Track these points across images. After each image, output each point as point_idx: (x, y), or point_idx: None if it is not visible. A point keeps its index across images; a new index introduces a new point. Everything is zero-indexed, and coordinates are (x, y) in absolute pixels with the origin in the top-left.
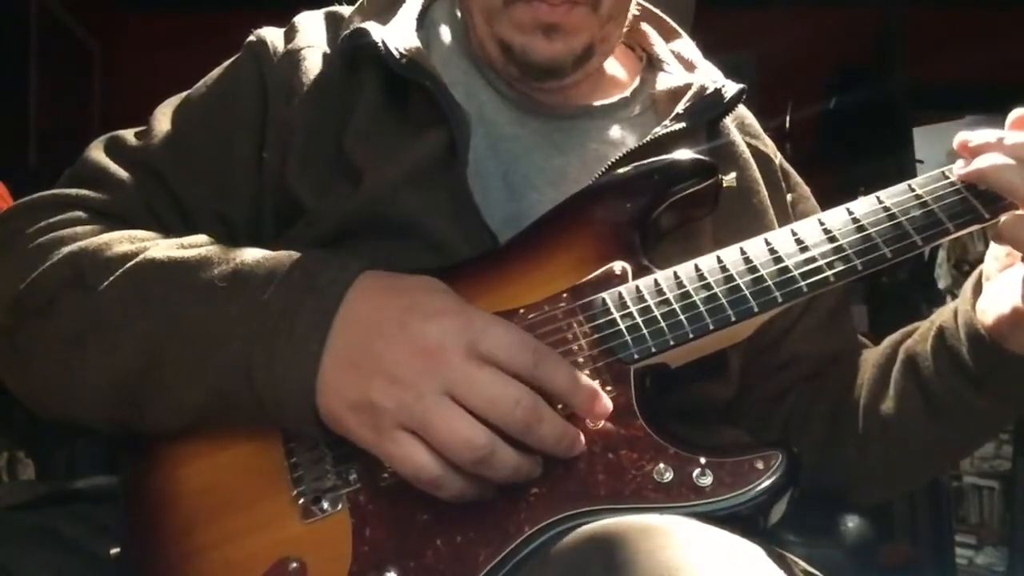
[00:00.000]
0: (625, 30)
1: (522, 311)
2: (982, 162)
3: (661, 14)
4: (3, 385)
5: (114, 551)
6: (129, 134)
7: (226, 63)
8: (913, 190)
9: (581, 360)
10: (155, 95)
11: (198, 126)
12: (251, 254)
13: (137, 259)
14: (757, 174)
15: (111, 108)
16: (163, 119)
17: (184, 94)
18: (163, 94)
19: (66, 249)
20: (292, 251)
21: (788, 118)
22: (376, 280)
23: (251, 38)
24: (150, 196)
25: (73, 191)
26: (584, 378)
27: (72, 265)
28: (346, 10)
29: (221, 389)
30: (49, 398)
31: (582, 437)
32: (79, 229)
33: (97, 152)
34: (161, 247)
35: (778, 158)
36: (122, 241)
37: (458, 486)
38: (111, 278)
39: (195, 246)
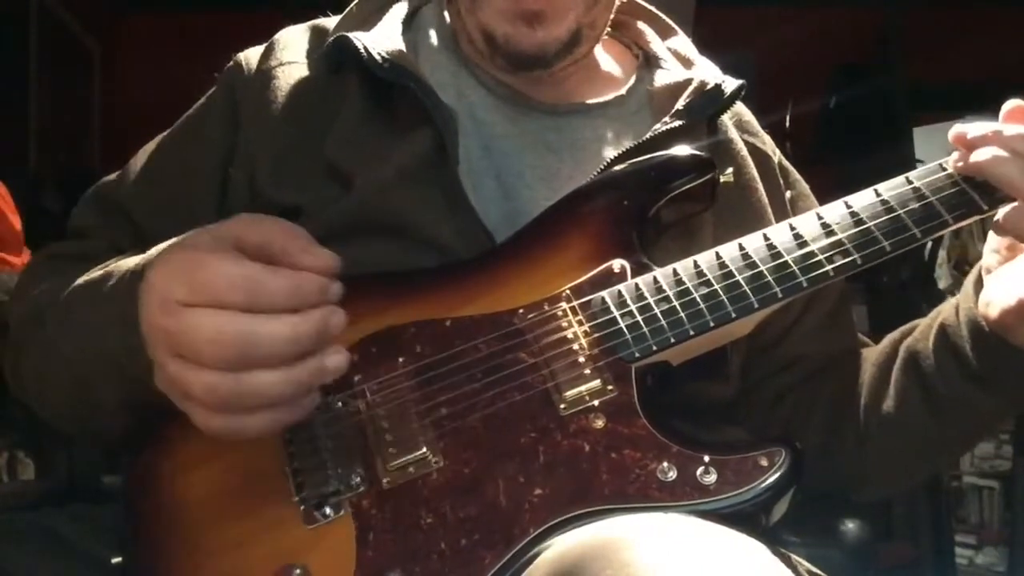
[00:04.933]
0: (612, 15)
1: (521, 311)
2: (979, 155)
3: (657, 12)
4: (3, 385)
5: (115, 560)
6: (111, 177)
7: (208, 93)
8: (911, 183)
9: (582, 359)
10: (155, 95)
11: (166, 158)
12: (111, 267)
13: (70, 288)
14: (755, 172)
15: (111, 108)
16: (141, 156)
17: (168, 131)
18: (163, 94)
19: (38, 289)
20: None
21: (788, 117)
22: (160, 257)
23: (230, 63)
24: (115, 234)
25: (57, 246)
26: (304, 278)
27: (33, 310)
28: (331, 21)
29: (119, 393)
30: (47, 414)
31: (334, 316)
32: (54, 279)
33: (81, 203)
34: (89, 272)
35: (777, 156)
36: (74, 279)
37: (252, 423)
38: (54, 314)
39: (99, 269)
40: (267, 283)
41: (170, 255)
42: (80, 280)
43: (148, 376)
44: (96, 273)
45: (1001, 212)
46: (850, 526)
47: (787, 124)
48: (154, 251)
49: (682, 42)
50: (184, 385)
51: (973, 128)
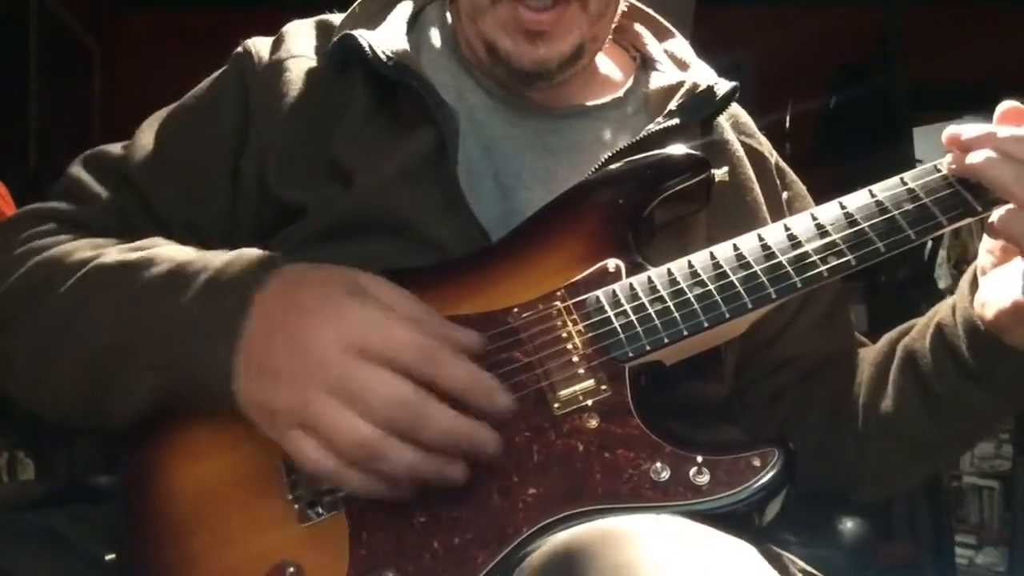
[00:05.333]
0: (614, 25)
1: (516, 310)
2: (972, 158)
3: (654, 14)
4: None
5: (109, 556)
6: (115, 147)
7: (214, 75)
8: (905, 183)
9: (576, 359)
10: (155, 95)
11: (177, 136)
12: (187, 255)
13: (91, 264)
14: (751, 172)
15: (111, 108)
16: (148, 131)
17: (173, 105)
18: (163, 94)
19: (35, 259)
20: (221, 251)
21: (788, 118)
22: (285, 278)
23: (238, 49)
24: (123, 206)
25: (51, 204)
26: (481, 374)
27: (35, 275)
28: (337, 18)
29: (158, 383)
30: (31, 397)
31: (487, 435)
32: (49, 240)
33: (76, 166)
34: (113, 252)
35: (773, 156)
36: (84, 248)
37: (359, 481)
38: (69, 282)
39: (143, 248)
40: (451, 370)
41: (344, 299)
42: (109, 259)
43: (215, 387)
44: (132, 256)
45: (995, 214)
46: (849, 525)
47: (787, 124)
48: (253, 261)
49: (678, 44)
50: (327, 423)
51: (967, 130)
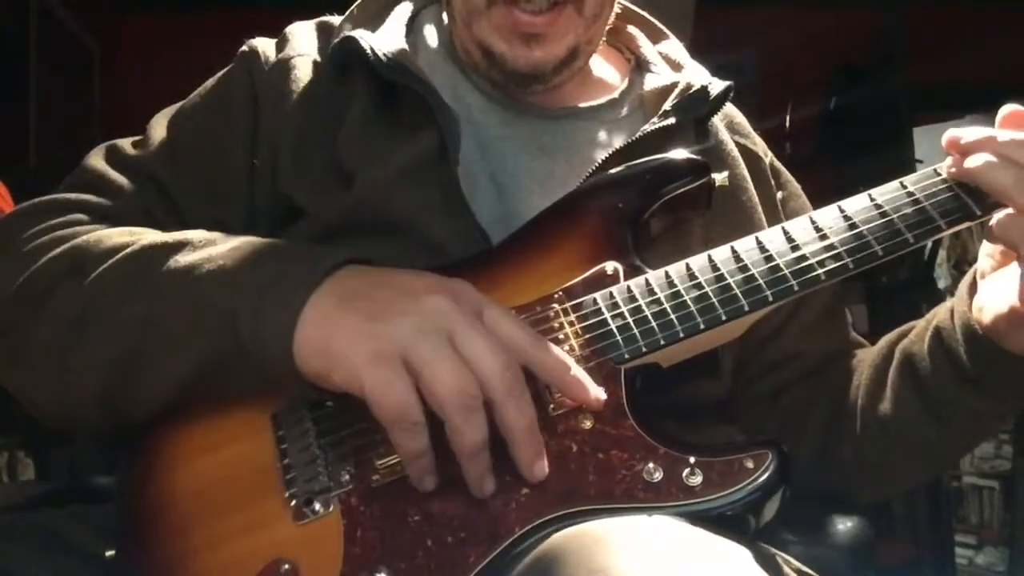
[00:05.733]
0: (609, 27)
1: (514, 311)
2: (972, 162)
3: (648, 16)
4: (3, 386)
5: (109, 553)
6: (126, 143)
7: (220, 73)
8: (905, 187)
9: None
10: (155, 95)
11: (193, 135)
12: (242, 237)
13: (133, 246)
14: (746, 172)
15: (111, 108)
16: (159, 128)
17: (179, 104)
18: (163, 94)
19: (65, 245)
20: (283, 240)
21: (788, 118)
22: (356, 268)
23: (243, 48)
24: (148, 201)
25: (74, 195)
26: (577, 367)
27: (71, 257)
28: (337, 20)
29: (209, 350)
30: (42, 389)
31: (541, 450)
32: (80, 228)
33: (96, 159)
34: (155, 234)
35: (768, 157)
36: (121, 234)
37: (416, 443)
38: (108, 263)
39: (189, 233)
40: (556, 359)
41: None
42: (155, 240)
43: (276, 337)
44: (186, 237)
45: (994, 219)
46: (849, 525)
47: (787, 125)
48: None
49: (672, 46)
50: (437, 363)
51: (967, 133)
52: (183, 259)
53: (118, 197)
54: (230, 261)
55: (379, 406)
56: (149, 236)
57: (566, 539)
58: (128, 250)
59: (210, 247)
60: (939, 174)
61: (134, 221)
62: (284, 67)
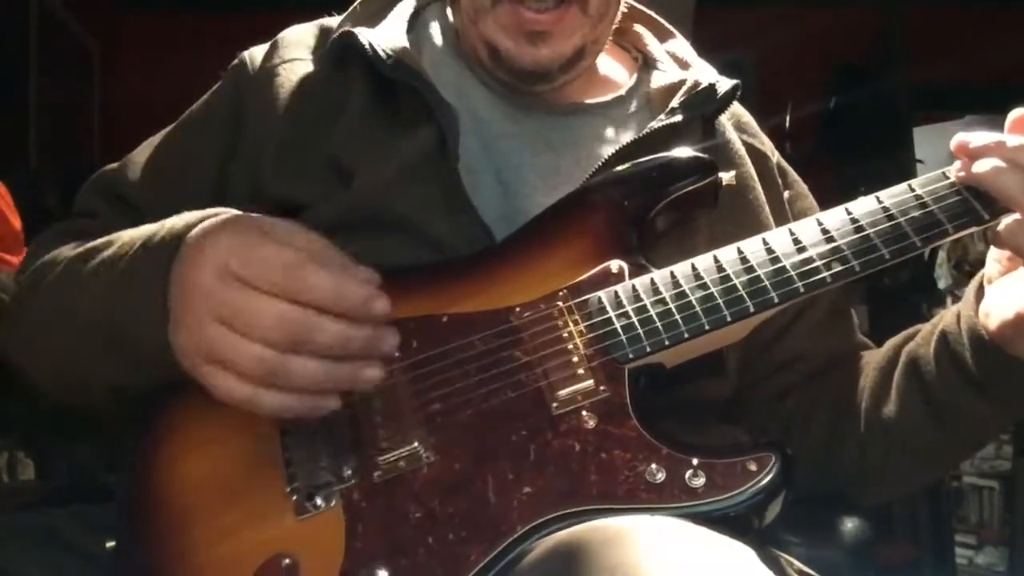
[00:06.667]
0: (615, 27)
1: (518, 309)
2: (980, 167)
3: (654, 15)
4: (3, 385)
5: (110, 544)
6: (112, 166)
7: (212, 88)
8: (913, 190)
9: (575, 359)
10: (155, 95)
11: (170, 154)
12: (139, 229)
13: (71, 256)
14: (753, 171)
15: (111, 108)
16: (145, 149)
17: (173, 124)
18: (163, 94)
19: (38, 264)
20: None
21: (788, 118)
22: (204, 230)
23: (235, 60)
24: (118, 221)
25: (74, 222)
26: (348, 283)
27: (32, 276)
28: (336, 21)
29: (113, 374)
30: (52, 383)
31: (381, 334)
32: (54, 251)
33: (86, 187)
34: (83, 246)
35: (775, 156)
36: (70, 248)
37: (275, 401)
38: (50, 276)
39: (106, 238)
40: (314, 280)
41: (225, 228)
42: (78, 250)
43: (151, 338)
44: (97, 242)
45: (1002, 224)
46: (850, 526)
47: (787, 125)
48: (190, 218)
49: (679, 44)
50: (226, 350)
51: (976, 137)
52: (80, 270)
53: (98, 220)
54: (111, 266)
55: (224, 402)
56: (77, 250)
57: (585, 533)
58: (62, 264)
59: (105, 248)
60: (947, 177)
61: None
62: (271, 72)
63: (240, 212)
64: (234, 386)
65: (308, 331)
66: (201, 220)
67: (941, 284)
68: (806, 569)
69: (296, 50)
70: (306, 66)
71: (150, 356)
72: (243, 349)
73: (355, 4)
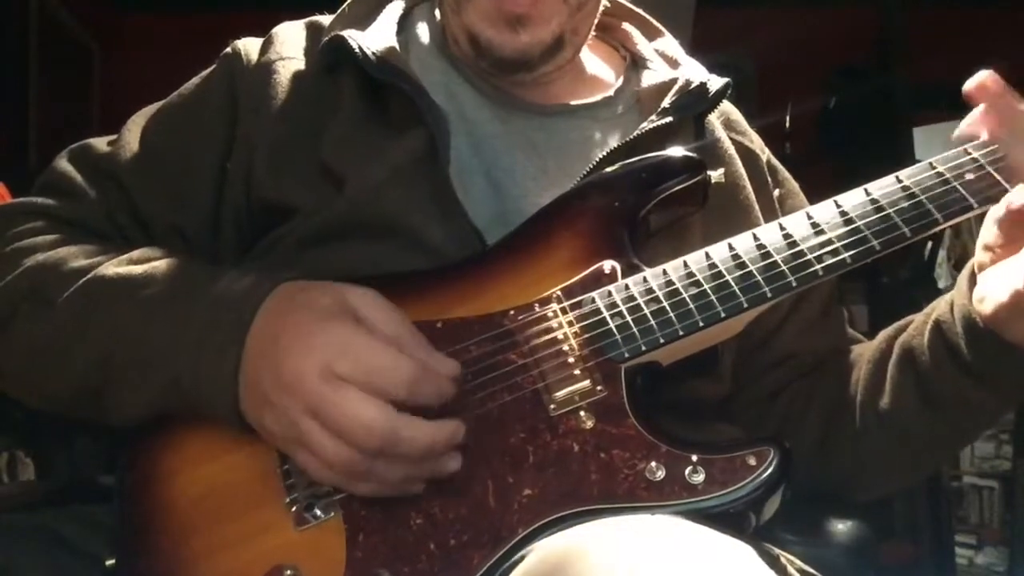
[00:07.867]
0: (596, 21)
1: (512, 312)
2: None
3: (643, 13)
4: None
5: (110, 562)
6: (100, 142)
7: (202, 73)
8: (900, 182)
9: (571, 360)
10: (154, 95)
11: (164, 137)
12: (187, 272)
13: (90, 275)
14: (743, 170)
15: (111, 108)
16: (134, 128)
17: (159, 103)
18: (163, 94)
19: (27, 262)
20: (221, 268)
21: (788, 117)
22: (279, 299)
23: (227, 49)
24: (111, 206)
25: (39, 200)
26: (435, 386)
27: (30, 279)
28: (327, 20)
29: (162, 403)
30: (27, 395)
31: (437, 470)
32: (39, 240)
33: (63, 161)
34: (112, 264)
35: (765, 154)
36: (78, 256)
37: (365, 490)
38: (66, 293)
39: (142, 262)
40: (424, 386)
41: (323, 321)
42: (109, 272)
43: (215, 403)
44: (135, 271)
45: (1017, 192)
46: (849, 525)
47: (787, 124)
48: (260, 289)
49: (668, 43)
50: (314, 446)
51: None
52: (131, 297)
53: (81, 200)
54: (167, 311)
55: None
56: (104, 265)
57: (570, 540)
58: (85, 279)
59: (155, 285)
60: (934, 168)
61: (96, 225)
62: (266, 70)
63: (322, 286)
64: (324, 475)
65: (397, 443)
66: (265, 286)
67: (941, 283)
68: (806, 568)
69: (290, 48)
70: (299, 66)
71: (208, 413)
72: (333, 451)
73: (344, 5)
